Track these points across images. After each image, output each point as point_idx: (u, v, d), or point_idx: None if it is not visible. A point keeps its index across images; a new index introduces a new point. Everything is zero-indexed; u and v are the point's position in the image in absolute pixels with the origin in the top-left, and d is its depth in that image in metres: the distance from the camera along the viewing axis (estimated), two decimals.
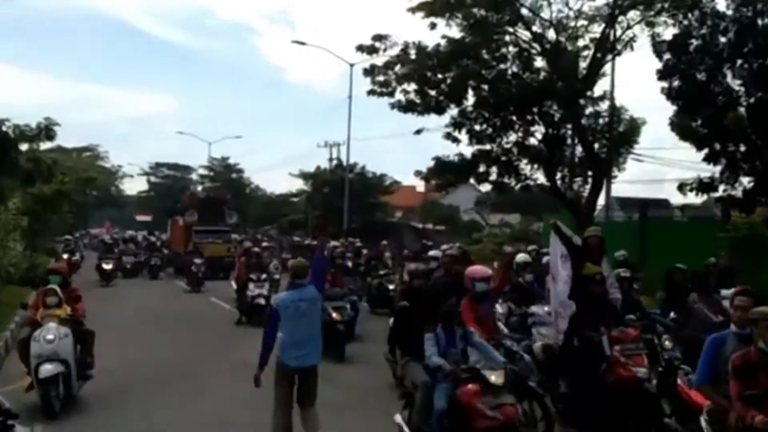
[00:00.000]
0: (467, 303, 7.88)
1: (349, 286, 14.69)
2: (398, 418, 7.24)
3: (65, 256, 26.71)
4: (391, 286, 18.28)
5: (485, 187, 30.63)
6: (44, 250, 30.25)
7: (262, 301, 15.67)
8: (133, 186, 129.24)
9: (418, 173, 25.05)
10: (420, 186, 47.50)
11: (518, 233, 33.25)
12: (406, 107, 23.95)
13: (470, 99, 23.64)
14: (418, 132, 24.77)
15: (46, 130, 24.04)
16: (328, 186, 48.35)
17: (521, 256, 11.63)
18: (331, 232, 44.28)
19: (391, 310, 12.32)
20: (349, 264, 21.24)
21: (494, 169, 24.04)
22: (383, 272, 19.61)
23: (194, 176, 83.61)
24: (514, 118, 23.38)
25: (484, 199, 53.64)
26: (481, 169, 24.18)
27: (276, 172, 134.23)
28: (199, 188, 55.14)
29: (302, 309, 6.98)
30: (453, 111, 23.88)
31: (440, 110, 23.85)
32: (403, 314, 8.44)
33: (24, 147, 24.65)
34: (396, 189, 51.96)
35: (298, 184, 56.25)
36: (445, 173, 24.23)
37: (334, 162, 52.17)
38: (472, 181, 26.90)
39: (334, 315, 12.62)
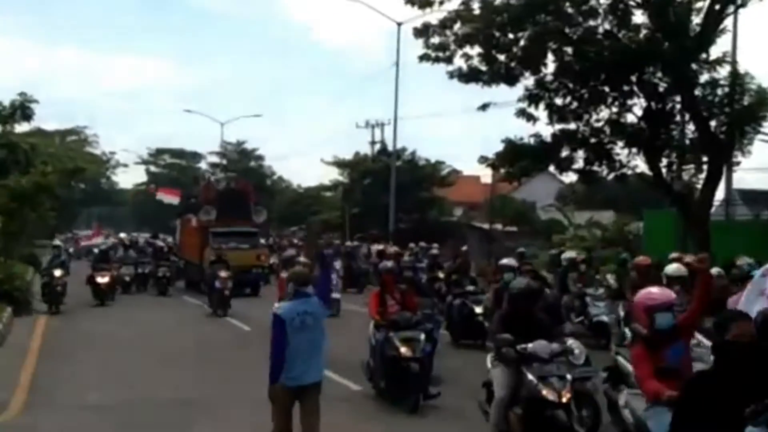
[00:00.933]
0: (641, 350, 6.72)
1: (424, 310, 13.36)
2: None
3: (57, 272, 23.93)
4: (478, 309, 17.03)
5: (569, 177, 30.34)
6: (21, 257, 30.97)
7: None
8: (129, 177, 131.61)
9: (483, 160, 24.88)
10: (485, 176, 47.32)
11: (612, 235, 32.88)
12: (469, 76, 23.83)
13: (550, 65, 23.44)
14: (484, 107, 24.47)
15: (22, 109, 24.72)
16: (369, 176, 48.59)
17: (672, 268, 11.38)
18: (374, 235, 44.46)
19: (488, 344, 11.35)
20: (423, 278, 20.12)
21: (581, 154, 23.82)
22: (470, 289, 18.14)
23: (203, 165, 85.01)
24: (607, 88, 23.09)
25: (568, 193, 53.20)
26: (564, 153, 23.95)
27: (304, 160, 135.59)
28: (213, 177, 54.51)
29: (307, 323, 7.78)
30: (528, 80, 23.72)
31: (512, 80, 23.67)
32: (710, 385, 5.20)
33: None
34: (455, 180, 52.02)
35: (332, 175, 56.72)
36: (519, 159, 24.06)
37: (377, 146, 52.43)
38: (552, 169, 26.73)
39: (404, 350, 11.35)
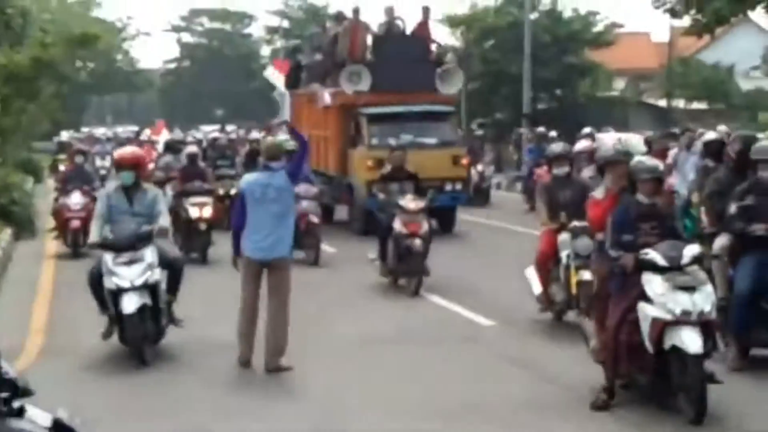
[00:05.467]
0: None
1: None
2: None
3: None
4: None
5: None
6: (17, 163, 31.96)
7: None
8: (153, 54, 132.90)
9: (658, 3, 24.85)
10: (659, 32, 46.60)
11: None
12: None
13: None
14: None
15: None
16: (492, 37, 48.23)
17: None
18: (500, 119, 44.35)
19: None
20: None
21: None
22: None
23: (254, 30, 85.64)
24: None
25: None
26: None
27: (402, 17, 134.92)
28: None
29: (269, 196, 10.80)
30: None
31: None
32: None
33: None
34: (615, 38, 51.18)
35: (441, 37, 56.42)
36: (710, 1, 23.74)
37: None
38: (758, 14, 26.78)
39: None
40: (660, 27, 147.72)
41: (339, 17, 27.05)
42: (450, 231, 23.58)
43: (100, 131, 55.72)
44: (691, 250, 9.18)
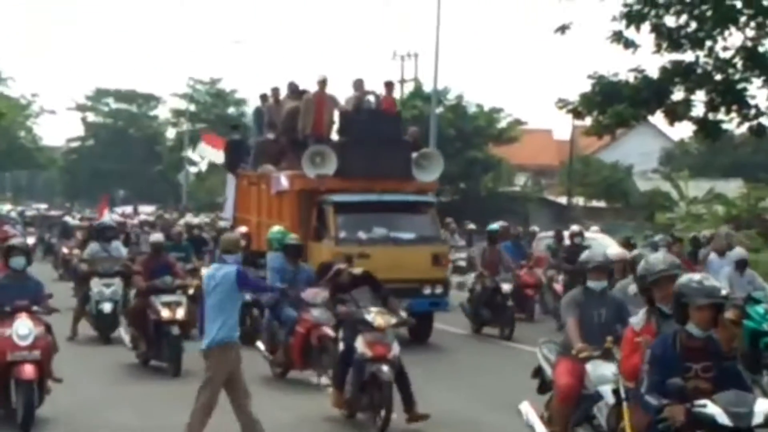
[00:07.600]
0: None
1: None
2: None
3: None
4: None
5: (680, 132, 30.22)
6: None
7: None
8: (56, 131, 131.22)
9: (562, 104, 25.01)
10: (561, 130, 47.34)
11: (742, 212, 32.82)
12: None
13: None
14: (563, 30, 24.64)
15: None
16: None
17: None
18: None
19: None
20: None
21: (700, 96, 23.82)
22: None
23: (160, 112, 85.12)
24: (739, 3, 23.01)
25: (678, 153, 52.90)
26: (677, 96, 23.98)
27: None
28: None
29: (210, 287, 10.73)
30: None
31: None
32: None
33: None
34: (518, 135, 51.71)
35: None
36: (613, 103, 23.96)
37: (410, 86, 52.18)
38: (656, 118, 26.88)
39: None
40: (562, 125, 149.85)
41: (295, 90, 23.20)
42: (425, 341, 19.98)
43: (6, 207, 53.02)
44: (764, 405, 7.01)
